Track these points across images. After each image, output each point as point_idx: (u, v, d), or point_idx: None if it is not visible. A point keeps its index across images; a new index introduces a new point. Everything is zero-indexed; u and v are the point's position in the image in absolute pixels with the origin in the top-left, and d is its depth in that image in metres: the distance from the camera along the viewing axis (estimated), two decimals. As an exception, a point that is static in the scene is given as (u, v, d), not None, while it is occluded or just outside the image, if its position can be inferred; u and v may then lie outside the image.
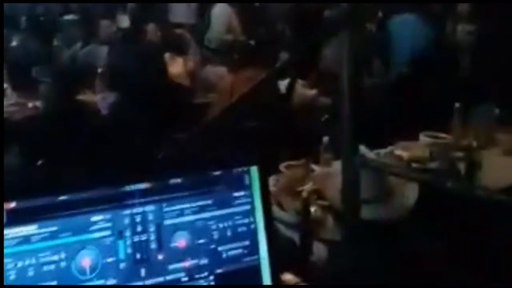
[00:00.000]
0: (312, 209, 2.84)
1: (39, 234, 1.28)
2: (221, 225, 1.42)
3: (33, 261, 1.27)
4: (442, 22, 5.13)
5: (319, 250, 2.60)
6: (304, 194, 3.01)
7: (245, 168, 1.45)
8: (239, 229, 1.43)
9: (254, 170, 1.45)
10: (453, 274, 2.36)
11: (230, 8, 7.00)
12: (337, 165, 3.21)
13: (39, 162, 2.59)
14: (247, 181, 1.45)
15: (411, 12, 4.85)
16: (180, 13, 7.50)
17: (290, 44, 4.50)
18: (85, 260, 1.32)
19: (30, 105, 4.11)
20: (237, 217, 1.43)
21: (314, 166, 3.48)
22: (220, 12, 6.97)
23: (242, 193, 1.44)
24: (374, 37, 4.91)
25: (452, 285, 2.36)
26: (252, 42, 5.19)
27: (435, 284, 2.37)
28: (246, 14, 7.04)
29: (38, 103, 3.97)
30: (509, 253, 2.44)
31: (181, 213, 1.39)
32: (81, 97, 3.99)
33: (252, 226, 1.45)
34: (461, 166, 3.32)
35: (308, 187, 3.23)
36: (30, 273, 1.27)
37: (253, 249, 1.44)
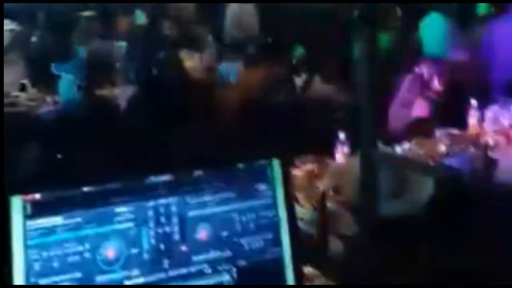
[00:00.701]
0: (329, 204, 2.85)
1: (64, 225, 1.30)
2: (243, 218, 1.43)
3: (58, 252, 1.29)
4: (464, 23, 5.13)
5: (336, 245, 2.61)
6: (321, 189, 3.02)
7: (267, 161, 1.46)
8: (262, 222, 1.44)
9: (276, 163, 1.46)
10: (470, 270, 2.36)
11: (247, 5, 6.99)
12: (353, 161, 3.22)
13: (59, 156, 2.62)
14: (269, 174, 1.46)
15: (434, 12, 4.87)
16: (177, 8, 7.47)
17: (307, 41, 4.50)
18: (109, 251, 1.33)
19: (49, 99, 4.16)
20: (259, 210, 1.44)
21: (330, 162, 3.50)
22: (236, 9, 6.97)
23: (264, 185, 1.45)
24: (404, 37, 4.92)
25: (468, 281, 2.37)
26: (269, 39, 5.20)
27: (452, 280, 2.38)
28: (264, 11, 7.02)
29: (57, 98, 4.01)
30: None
31: (204, 205, 1.40)
32: (100, 91, 4.02)
33: (275, 219, 1.45)
34: (478, 163, 3.31)
35: (324, 182, 3.24)
36: (55, 264, 1.29)
37: (276, 241, 1.45)
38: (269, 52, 4.37)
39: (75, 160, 1.39)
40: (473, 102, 3.87)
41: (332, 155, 3.51)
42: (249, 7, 6.99)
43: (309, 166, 3.37)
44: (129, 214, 1.35)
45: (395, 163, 2.60)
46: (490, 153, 3.33)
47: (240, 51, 4.90)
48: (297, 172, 3.20)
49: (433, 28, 4.88)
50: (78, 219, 1.31)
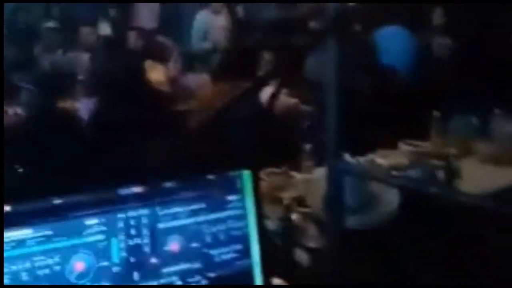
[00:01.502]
0: (293, 216, 2.86)
1: (33, 238, 1.28)
2: (214, 229, 1.43)
3: (27, 265, 1.27)
4: (419, 34, 5.21)
5: (301, 257, 2.62)
6: (285, 201, 3.03)
7: (237, 172, 1.46)
8: (232, 233, 1.45)
9: (247, 174, 1.47)
10: (436, 279, 2.39)
11: (213, 15, 7.00)
12: (318, 172, 3.24)
13: (20, 169, 2.58)
14: (239, 185, 1.46)
15: (392, 23, 4.92)
16: (143, 18, 7.46)
17: (274, 52, 4.53)
18: (79, 264, 1.32)
19: (10, 111, 4.10)
20: (229, 221, 1.45)
21: (295, 173, 3.51)
22: (201, 19, 6.98)
23: (234, 197, 1.46)
24: (356, 47, 4.97)
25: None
26: (232, 51, 5.22)
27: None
28: (229, 22, 7.05)
29: (19, 110, 3.96)
30: (492, 257, 2.48)
31: (175, 216, 1.40)
32: (62, 104, 3.98)
33: (245, 230, 1.46)
34: (440, 174, 3.37)
35: (289, 194, 3.25)
36: (24, 277, 1.27)
37: (245, 253, 1.46)
38: (236, 63, 4.38)
39: (44, 173, 1.37)
40: (436, 113, 3.93)
41: (297, 167, 3.53)
42: (218, 17, 7.00)
43: (274, 178, 3.38)
44: (99, 226, 1.34)
45: (361, 175, 2.61)
46: (453, 163, 3.40)
47: (206, 62, 4.91)
48: (262, 184, 3.20)
49: (391, 39, 4.94)
50: (49, 232, 1.29)
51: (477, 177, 3.41)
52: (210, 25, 6.91)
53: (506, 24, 4.45)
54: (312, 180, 3.31)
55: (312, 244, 2.65)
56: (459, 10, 4.72)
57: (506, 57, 4.27)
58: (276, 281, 1.71)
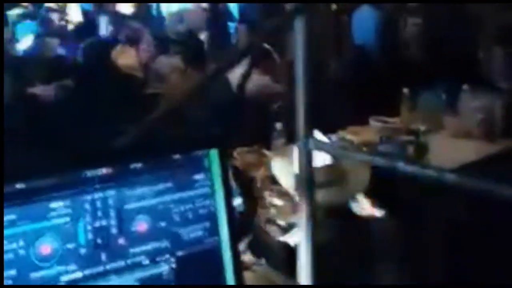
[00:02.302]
0: (266, 193, 2.87)
1: (-4, 221, 1.27)
2: (181, 208, 1.44)
3: (-8, 250, 1.26)
4: (390, 13, 5.24)
5: (275, 233, 2.63)
6: (258, 178, 3.04)
7: (204, 151, 1.46)
8: (200, 212, 1.45)
9: (214, 153, 1.47)
10: (406, 254, 2.42)
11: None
12: (289, 151, 3.26)
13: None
14: (206, 164, 1.47)
15: (363, 4, 4.95)
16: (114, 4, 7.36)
17: (248, 33, 4.52)
18: (45, 247, 1.32)
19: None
20: (197, 200, 1.45)
21: (266, 152, 3.52)
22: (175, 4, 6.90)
23: (202, 175, 1.46)
24: (326, 26, 4.99)
25: (404, 268, 2.43)
26: (202, 37, 5.20)
27: (389, 266, 2.43)
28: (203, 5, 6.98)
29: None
30: (462, 232, 2.52)
31: (142, 197, 1.40)
32: (31, 89, 3.93)
33: (212, 208, 1.47)
34: (410, 149, 3.40)
35: (262, 172, 3.27)
36: (-11, 262, 1.26)
37: (214, 230, 1.47)
38: (208, 46, 4.38)
39: (7, 157, 1.36)
40: (405, 89, 3.96)
41: (268, 146, 3.54)
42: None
43: (245, 157, 3.40)
44: (64, 209, 1.33)
45: (332, 151, 2.63)
46: (422, 139, 3.44)
47: (181, 45, 4.87)
48: (234, 163, 3.21)
49: (362, 18, 4.96)
50: (12, 216, 1.28)
51: (446, 152, 3.46)
52: (185, 7, 6.83)
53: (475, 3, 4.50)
54: (284, 158, 3.33)
55: (284, 221, 2.67)
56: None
57: (473, 34, 4.32)
58: (247, 257, 1.72)
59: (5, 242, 1.27)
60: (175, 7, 6.88)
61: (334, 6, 5.49)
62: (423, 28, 4.73)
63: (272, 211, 2.71)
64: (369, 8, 4.99)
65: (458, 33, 4.32)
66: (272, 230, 2.55)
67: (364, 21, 4.92)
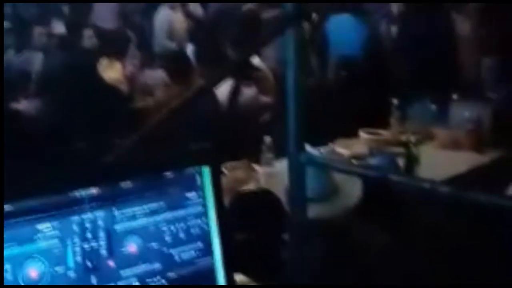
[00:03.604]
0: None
1: (-19, 245, 1.22)
2: (173, 228, 1.39)
3: (-22, 274, 1.21)
4: (376, 23, 5.24)
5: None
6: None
7: (197, 169, 1.42)
8: (192, 231, 1.41)
9: (206, 170, 1.43)
10: (400, 268, 2.39)
11: (173, 13, 6.86)
12: (279, 165, 3.22)
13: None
14: (199, 182, 1.42)
15: (346, 12, 4.92)
16: (102, 17, 7.32)
17: (232, 49, 4.48)
18: (33, 270, 1.27)
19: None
20: (190, 219, 1.41)
21: (255, 166, 3.49)
22: (163, 18, 6.84)
23: (194, 194, 1.42)
24: (311, 37, 4.97)
25: (399, 279, 2.39)
26: (188, 51, 5.16)
27: (383, 279, 2.40)
28: (189, 19, 6.93)
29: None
30: (456, 244, 2.49)
31: (132, 217, 1.35)
32: (14, 104, 3.87)
33: (205, 227, 1.42)
34: (400, 161, 3.38)
35: (251, 187, 3.23)
36: (-25, 287, 1.21)
37: (207, 250, 1.42)
38: (190, 65, 4.35)
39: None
40: (394, 100, 3.95)
41: (258, 160, 3.50)
42: (176, 14, 6.87)
43: (235, 172, 3.36)
44: (52, 230, 1.28)
45: (324, 165, 2.60)
46: (413, 150, 3.41)
47: (165, 59, 4.83)
48: (223, 178, 3.17)
49: (347, 29, 4.94)
50: (-2, 239, 1.23)
51: (436, 163, 3.45)
52: (172, 23, 6.78)
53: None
54: (274, 172, 3.29)
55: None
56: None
57: (462, 42, 4.32)
58: (239, 277, 1.68)
59: (-8, 265, 1.22)
60: (162, 19, 6.83)
61: (314, 16, 5.47)
62: (410, 37, 4.73)
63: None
64: (352, 17, 4.97)
65: (446, 42, 4.32)
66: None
67: (347, 31, 4.90)
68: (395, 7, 5.56)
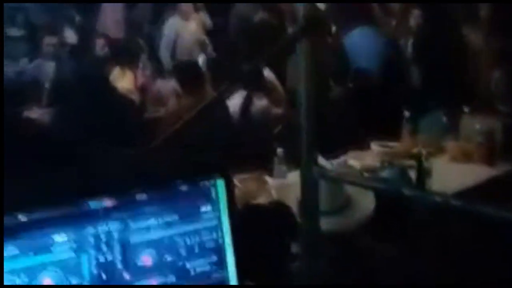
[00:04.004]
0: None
1: (-1, 257, 1.23)
2: (188, 241, 1.39)
3: (-6, 284, 1.22)
4: (395, 36, 5.24)
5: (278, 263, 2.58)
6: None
7: (211, 182, 1.42)
8: (206, 244, 1.41)
9: (221, 183, 1.43)
10: (411, 281, 2.38)
11: (182, 21, 6.85)
12: (292, 177, 3.22)
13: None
14: (213, 195, 1.43)
15: (361, 24, 4.93)
16: (110, 26, 7.33)
17: (246, 59, 4.49)
18: (47, 281, 1.27)
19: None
20: (204, 232, 1.41)
21: (267, 178, 3.48)
22: (170, 27, 6.82)
23: (208, 207, 1.42)
24: (329, 51, 4.98)
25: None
26: (200, 61, 5.18)
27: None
28: (200, 27, 6.93)
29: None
30: (467, 256, 2.48)
31: (147, 230, 1.36)
32: (27, 113, 3.89)
33: (220, 241, 1.42)
34: (412, 174, 3.37)
35: (263, 199, 3.22)
36: (-9, 297, 1.22)
37: (221, 264, 1.42)
38: (202, 75, 4.36)
39: (8, 187, 1.32)
40: (406, 113, 3.94)
41: (270, 172, 3.50)
42: (187, 24, 6.85)
43: (247, 184, 3.35)
44: (68, 242, 1.29)
45: (336, 178, 2.60)
46: (424, 163, 3.40)
47: (177, 70, 4.84)
48: (235, 191, 3.17)
49: (361, 42, 4.95)
50: (15, 249, 1.24)
51: (448, 176, 3.43)
52: (179, 33, 6.77)
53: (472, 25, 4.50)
54: (287, 184, 3.29)
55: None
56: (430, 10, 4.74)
57: (474, 55, 4.32)
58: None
59: (7, 276, 1.23)
60: (168, 31, 6.81)
61: (333, 29, 5.48)
62: (423, 49, 4.72)
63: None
64: (366, 30, 4.98)
65: (457, 55, 4.32)
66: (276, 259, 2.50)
67: (361, 43, 4.91)
68: (412, 20, 5.54)
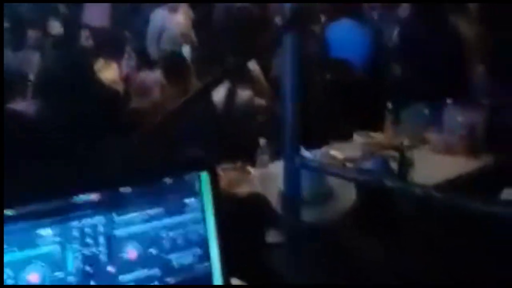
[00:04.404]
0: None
1: (-16, 251, 1.24)
2: (172, 234, 1.41)
3: (-21, 279, 1.23)
4: (376, 27, 5.25)
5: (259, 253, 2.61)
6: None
7: (195, 174, 1.44)
8: (190, 237, 1.43)
9: (205, 176, 1.45)
10: (392, 271, 2.41)
11: (169, 14, 6.81)
12: (274, 167, 3.24)
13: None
14: (197, 188, 1.45)
15: (346, 16, 4.95)
16: (95, 17, 7.28)
17: (230, 51, 4.50)
18: (33, 275, 1.29)
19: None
20: (188, 225, 1.43)
21: (250, 169, 3.50)
22: (156, 19, 6.78)
23: (192, 199, 1.44)
24: (314, 42, 4.99)
25: (391, 283, 2.42)
26: (184, 52, 5.17)
27: (375, 283, 2.43)
28: (187, 20, 6.89)
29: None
30: (448, 248, 2.52)
31: (132, 222, 1.37)
32: (12, 105, 3.87)
33: (203, 233, 1.45)
34: (394, 165, 3.41)
35: (245, 189, 3.24)
36: (-24, 291, 1.23)
37: (204, 256, 1.44)
38: (186, 67, 4.37)
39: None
40: (389, 104, 3.98)
41: (252, 162, 3.52)
42: (174, 17, 6.81)
43: (229, 174, 3.37)
44: (53, 236, 1.30)
45: (318, 168, 2.63)
46: (406, 154, 3.44)
47: (162, 60, 4.84)
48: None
49: (344, 32, 4.96)
50: (0, 244, 1.25)
51: (430, 167, 3.47)
52: (165, 25, 6.74)
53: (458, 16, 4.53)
54: (269, 174, 3.31)
55: (269, 240, 2.65)
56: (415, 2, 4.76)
57: (456, 47, 4.35)
58: (235, 281, 1.70)
59: (-7, 271, 1.24)
60: (154, 23, 6.77)
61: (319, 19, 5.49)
62: (406, 41, 4.75)
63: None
64: (351, 21, 4.99)
65: (441, 47, 4.34)
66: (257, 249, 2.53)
67: (344, 34, 4.92)
68: (400, 12, 5.56)
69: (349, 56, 4.54)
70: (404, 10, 5.27)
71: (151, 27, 6.75)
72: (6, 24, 6.29)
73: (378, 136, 3.95)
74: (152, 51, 6.45)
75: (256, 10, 5.73)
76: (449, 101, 3.84)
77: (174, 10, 6.78)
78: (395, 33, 5.02)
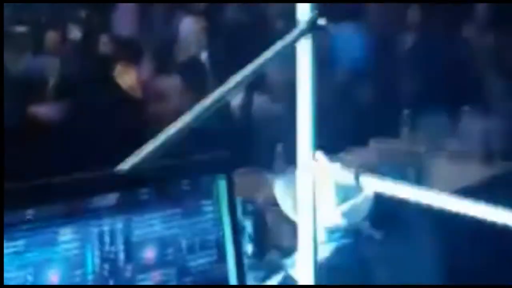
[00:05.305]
0: (267, 216, 2.87)
1: (6, 250, 1.27)
2: (189, 235, 1.44)
3: (0, 279, 1.26)
4: (391, 32, 5.25)
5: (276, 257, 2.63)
6: (259, 201, 3.04)
7: (212, 178, 1.47)
8: (207, 239, 1.46)
9: (221, 179, 1.48)
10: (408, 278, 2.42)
11: (195, 22, 6.81)
12: (290, 173, 3.26)
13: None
14: (214, 191, 1.47)
15: (358, 21, 4.96)
16: (122, 24, 7.31)
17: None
18: (52, 275, 1.31)
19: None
20: (204, 227, 1.46)
21: (266, 174, 3.52)
22: (189, 28, 6.80)
23: (209, 202, 1.47)
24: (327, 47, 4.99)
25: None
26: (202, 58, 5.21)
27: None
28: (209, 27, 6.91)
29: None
30: (462, 258, 2.52)
31: (150, 224, 1.40)
32: (32, 109, 3.93)
33: (220, 235, 1.47)
34: (410, 172, 3.41)
35: (262, 194, 3.27)
36: (-3, 290, 1.26)
37: (221, 258, 1.47)
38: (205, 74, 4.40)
39: (13, 183, 1.35)
40: (405, 111, 3.98)
41: (270, 167, 3.54)
42: (195, 24, 6.82)
43: (246, 178, 3.39)
44: (73, 236, 1.33)
45: (333, 174, 2.63)
46: (423, 161, 3.45)
47: (180, 66, 4.88)
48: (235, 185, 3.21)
49: (355, 38, 4.96)
50: (21, 243, 1.28)
51: (446, 174, 3.47)
52: (184, 31, 6.75)
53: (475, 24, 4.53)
54: (286, 179, 3.33)
55: (286, 244, 2.67)
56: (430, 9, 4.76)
57: (473, 55, 4.35)
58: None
59: (14, 269, 1.27)
60: (187, 28, 6.76)
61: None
62: (424, 48, 4.75)
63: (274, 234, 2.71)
64: (361, 26, 5.00)
65: (458, 54, 4.34)
66: (274, 253, 2.55)
67: (357, 40, 4.92)
68: (412, 18, 5.55)
69: (365, 62, 4.55)
70: (413, 15, 5.25)
71: (181, 35, 6.75)
72: (26, 28, 6.37)
73: (395, 143, 3.95)
74: (171, 57, 6.47)
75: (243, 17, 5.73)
76: (466, 108, 3.84)
77: (194, 16, 6.81)
78: (409, 39, 5.02)
